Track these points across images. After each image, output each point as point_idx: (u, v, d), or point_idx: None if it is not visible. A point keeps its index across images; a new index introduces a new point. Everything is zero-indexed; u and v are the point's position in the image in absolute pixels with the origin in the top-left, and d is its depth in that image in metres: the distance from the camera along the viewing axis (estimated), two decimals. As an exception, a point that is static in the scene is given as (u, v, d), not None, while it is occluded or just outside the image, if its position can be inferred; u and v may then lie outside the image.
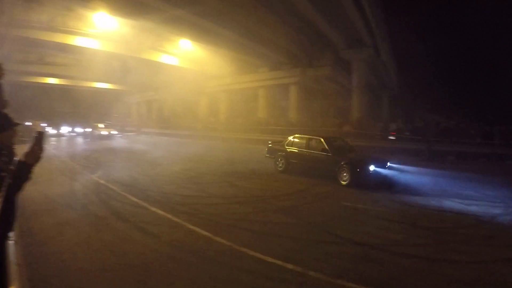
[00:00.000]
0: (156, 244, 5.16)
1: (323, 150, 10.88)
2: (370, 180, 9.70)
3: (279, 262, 4.57)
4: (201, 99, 39.45)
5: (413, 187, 9.81)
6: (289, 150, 12.15)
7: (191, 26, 22.05)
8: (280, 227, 6.20)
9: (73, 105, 49.26)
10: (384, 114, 40.26)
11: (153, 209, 7.08)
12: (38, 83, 40.02)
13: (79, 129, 34.82)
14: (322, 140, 11.15)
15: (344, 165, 10.06)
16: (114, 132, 30.17)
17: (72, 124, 36.36)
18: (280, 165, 12.35)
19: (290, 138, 12.49)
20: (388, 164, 10.57)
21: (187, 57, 30.55)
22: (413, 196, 8.75)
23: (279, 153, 12.50)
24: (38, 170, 2.15)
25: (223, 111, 36.94)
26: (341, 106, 34.62)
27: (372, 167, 9.78)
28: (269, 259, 4.66)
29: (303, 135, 12.36)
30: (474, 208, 7.61)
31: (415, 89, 40.18)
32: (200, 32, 23.26)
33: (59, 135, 32.76)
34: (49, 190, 8.57)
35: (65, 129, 35.46)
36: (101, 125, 30.14)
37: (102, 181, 9.96)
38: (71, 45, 25.32)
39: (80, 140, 28.09)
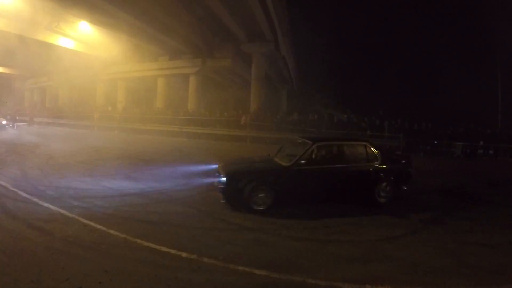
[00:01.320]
0: (49, 242, 5.03)
1: None
2: None
3: (173, 251, 4.78)
4: (98, 86, 37.29)
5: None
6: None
7: (91, 7, 20.78)
8: (175, 217, 6.41)
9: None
10: (283, 107, 41.81)
11: (46, 204, 6.80)
12: None
13: None
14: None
15: None
16: (4, 122, 27.44)
17: None
18: None
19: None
20: None
21: (85, 41, 28.56)
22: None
23: None
24: None
25: (121, 100, 35.39)
26: (241, 98, 35.31)
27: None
28: (164, 249, 4.84)
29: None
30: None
31: (313, 84, 42.35)
32: (100, 15, 21.97)
33: None
34: None
35: None
36: None
37: (-11, 177, 9.22)
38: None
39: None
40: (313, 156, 7.55)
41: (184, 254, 4.71)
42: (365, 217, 6.82)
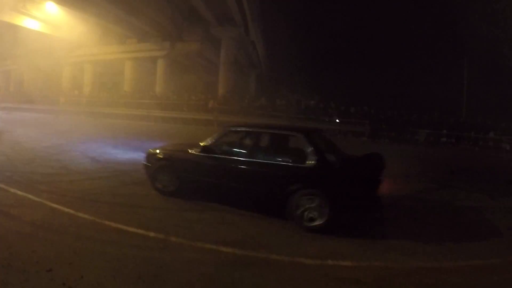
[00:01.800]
0: (18, 226, 5.04)
1: None
2: None
3: (141, 231, 4.92)
4: (64, 70, 36.33)
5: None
6: None
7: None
8: (142, 199, 6.54)
9: None
10: (251, 92, 41.90)
11: (13, 190, 6.71)
12: None
13: None
14: None
15: None
16: None
17: None
18: None
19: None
20: None
21: (51, 23, 27.67)
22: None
23: None
24: None
25: (88, 84, 34.67)
26: (210, 82, 35.25)
27: None
28: (132, 229, 4.98)
29: None
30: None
31: (281, 70, 42.58)
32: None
33: None
34: None
35: None
36: None
37: (-49, 166, 9.00)
38: None
39: None
40: (222, 144, 6.46)
41: (151, 234, 4.85)
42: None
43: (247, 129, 6.57)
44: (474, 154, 16.98)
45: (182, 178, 6.53)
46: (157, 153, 7.01)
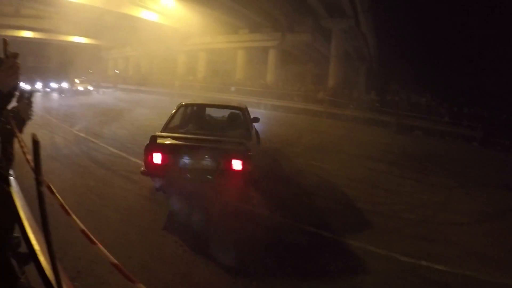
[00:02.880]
0: (137, 189, 5.62)
1: None
2: None
3: (249, 207, 5.23)
4: (179, 56, 38.70)
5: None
6: None
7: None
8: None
9: (48, 60, 46.56)
10: (361, 85, 40.79)
11: (133, 159, 7.48)
12: (13, 36, 36.49)
13: (54, 85, 30.37)
14: None
15: None
16: (90, 87, 29.69)
17: (47, 80, 31.35)
18: None
19: None
20: None
21: (167, 14, 29.76)
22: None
23: None
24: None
25: (201, 70, 36.51)
26: (318, 73, 34.96)
27: None
28: (243, 205, 5.27)
29: None
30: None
31: (392, 64, 40.83)
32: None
33: (33, 91, 29.94)
34: (29, 142, 8.66)
35: (40, 85, 29.94)
36: (77, 81, 29.31)
37: (82, 134, 10.22)
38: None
39: (55, 95, 26.75)
40: None
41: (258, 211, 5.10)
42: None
43: None
44: None
45: None
46: None
